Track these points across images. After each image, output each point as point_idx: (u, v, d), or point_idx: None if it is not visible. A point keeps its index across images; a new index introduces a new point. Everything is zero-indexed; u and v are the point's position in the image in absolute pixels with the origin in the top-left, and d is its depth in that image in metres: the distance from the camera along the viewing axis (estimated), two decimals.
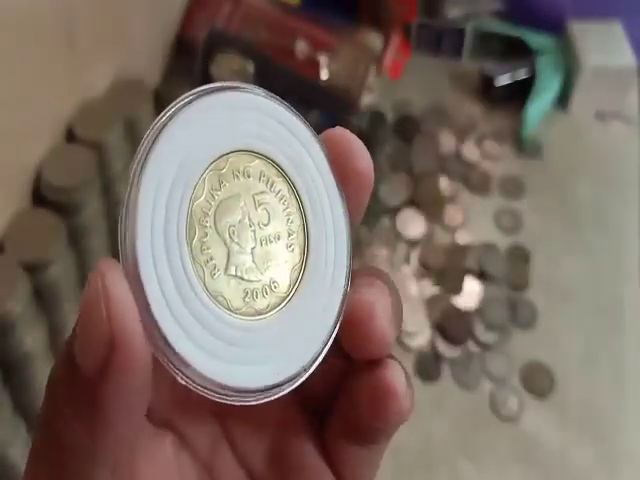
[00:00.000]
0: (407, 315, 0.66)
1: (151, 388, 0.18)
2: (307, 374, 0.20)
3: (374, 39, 0.77)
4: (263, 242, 0.20)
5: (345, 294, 0.21)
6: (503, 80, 0.81)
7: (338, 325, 0.20)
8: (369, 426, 0.21)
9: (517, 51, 0.83)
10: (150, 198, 0.19)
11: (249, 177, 0.20)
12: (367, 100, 0.71)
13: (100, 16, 0.56)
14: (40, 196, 0.52)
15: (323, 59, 0.69)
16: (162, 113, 0.19)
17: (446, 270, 0.69)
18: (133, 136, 0.59)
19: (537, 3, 0.84)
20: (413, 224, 0.72)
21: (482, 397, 0.63)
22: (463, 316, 0.67)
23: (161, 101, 0.64)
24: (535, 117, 0.80)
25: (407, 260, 0.70)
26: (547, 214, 0.74)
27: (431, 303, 0.67)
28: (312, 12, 0.72)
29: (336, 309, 0.20)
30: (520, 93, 0.81)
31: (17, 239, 0.49)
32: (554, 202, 0.76)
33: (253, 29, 0.70)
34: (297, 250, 0.20)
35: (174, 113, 0.19)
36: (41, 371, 0.51)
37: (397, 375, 0.20)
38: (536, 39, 0.83)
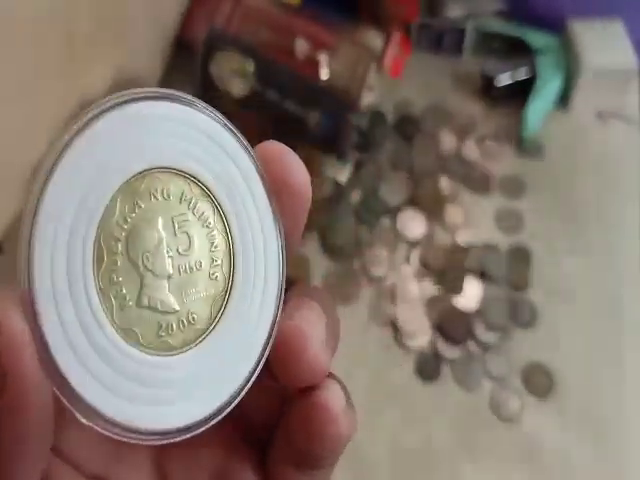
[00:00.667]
0: (407, 315, 0.66)
1: (50, 434, 0.16)
2: (223, 414, 0.18)
3: (374, 38, 0.77)
4: (181, 270, 0.18)
5: (274, 323, 0.19)
6: (504, 80, 0.81)
7: (264, 359, 0.19)
8: (307, 451, 0.19)
9: (518, 51, 0.83)
10: (51, 224, 0.17)
11: (169, 197, 0.18)
12: (367, 99, 0.71)
13: (100, 16, 0.56)
14: None
15: (323, 58, 0.69)
16: (71, 123, 0.17)
17: (446, 270, 0.69)
18: None
19: (538, 3, 0.84)
20: (413, 224, 0.72)
21: (482, 397, 0.63)
22: (463, 316, 0.67)
23: None
24: (536, 117, 0.80)
25: (407, 260, 0.70)
26: (548, 214, 0.74)
27: (431, 303, 0.67)
28: (312, 11, 0.72)
29: (262, 343, 0.19)
30: (521, 93, 0.81)
31: (16, 239, 0.49)
32: (555, 202, 0.75)
33: (253, 29, 0.70)
34: (221, 278, 0.19)
35: (83, 125, 0.17)
36: None
37: (334, 396, 0.19)
38: (537, 39, 0.83)
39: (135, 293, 0.18)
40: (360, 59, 0.70)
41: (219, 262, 0.19)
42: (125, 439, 0.17)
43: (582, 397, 0.63)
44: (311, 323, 0.19)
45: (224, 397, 0.18)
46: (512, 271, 0.70)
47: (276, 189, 0.19)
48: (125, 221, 0.18)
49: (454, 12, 0.83)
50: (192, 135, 0.18)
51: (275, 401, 0.20)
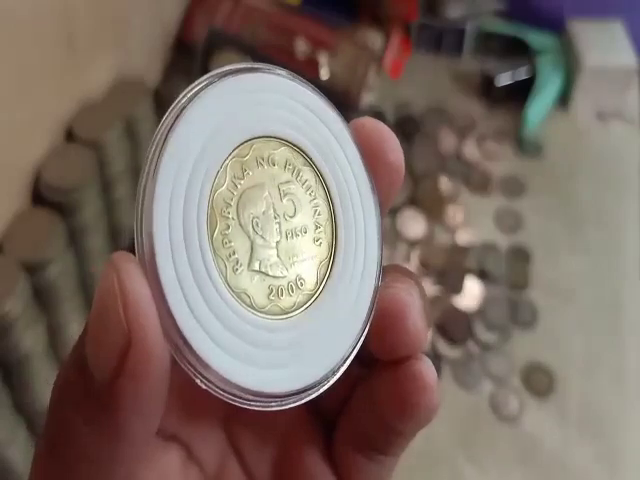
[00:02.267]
0: None
1: (166, 393, 0.17)
2: (335, 378, 0.19)
3: (374, 38, 0.77)
4: (289, 235, 0.19)
5: (376, 291, 0.19)
6: (503, 80, 0.81)
7: (369, 325, 0.19)
8: (392, 426, 0.19)
9: (517, 51, 0.83)
10: (168, 188, 0.17)
11: (274, 165, 0.19)
12: (367, 99, 0.71)
13: (100, 16, 0.56)
14: (39, 196, 0.52)
15: (323, 58, 0.69)
16: (182, 94, 0.18)
17: (446, 270, 0.69)
18: (133, 136, 0.59)
19: (538, 3, 0.84)
20: (413, 224, 0.72)
21: (482, 397, 0.63)
22: (463, 316, 0.67)
23: (161, 101, 0.64)
24: (535, 117, 0.80)
25: (407, 260, 0.70)
26: (547, 214, 0.74)
27: (431, 303, 0.67)
28: (312, 11, 0.72)
29: (366, 307, 0.19)
30: (520, 93, 0.81)
31: (16, 239, 0.49)
32: (554, 202, 0.75)
33: (253, 29, 0.70)
34: (325, 244, 0.19)
35: (194, 95, 0.18)
36: (40, 371, 0.51)
37: (429, 367, 0.19)
38: (537, 39, 0.83)
39: (246, 257, 0.18)
40: (360, 59, 0.70)
41: (322, 228, 0.19)
42: (238, 403, 0.17)
43: (582, 397, 0.63)
44: (412, 295, 0.19)
45: (336, 358, 0.18)
46: (512, 271, 0.70)
47: (373, 163, 0.20)
48: (235, 187, 0.18)
49: (454, 12, 0.83)
50: (295, 107, 0.19)
51: (345, 383, 0.20)
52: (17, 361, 0.48)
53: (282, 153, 0.19)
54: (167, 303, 0.16)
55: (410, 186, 0.74)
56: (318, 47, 0.69)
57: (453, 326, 0.66)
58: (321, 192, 0.19)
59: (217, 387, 0.17)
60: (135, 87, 0.60)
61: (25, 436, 0.51)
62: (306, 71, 0.68)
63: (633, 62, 0.79)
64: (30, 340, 0.48)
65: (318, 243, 0.19)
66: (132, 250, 0.17)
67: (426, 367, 0.19)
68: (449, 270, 0.69)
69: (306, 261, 0.19)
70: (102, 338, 0.16)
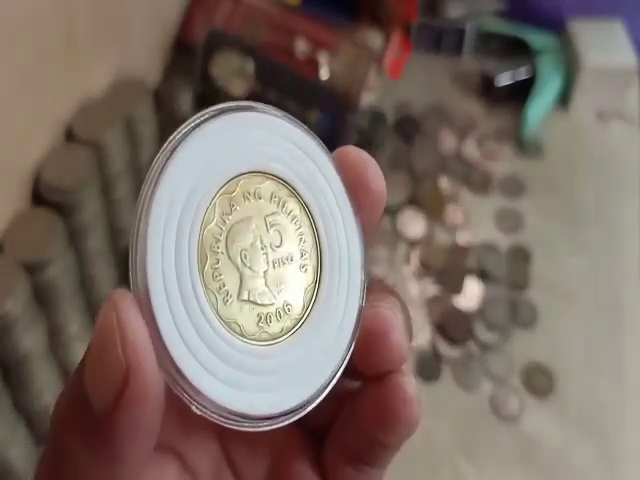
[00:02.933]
0: None
1: (161, 419, 0.18)
2: (321, 397, 0.20)
3: (374, 38, 0.77)
4: (276, 264, 0.20)
5: (360, 311, 0.20)
6: (504, 80, 0.81)
7: (354, 344, 0.20)
8: (376, 438, 0.20)
9: (518, 51, 0.83)
10: (160, 227, 0.18)
11: (260, 199, 0.20)
12: (367, 100, 0.71)
13: (100, 16, 0.56)
14: (39, 196, 0.52)
15: (323, 58, 0.69)
16: (172, 136, 0.19)
17: (446, 270, 0.69)
18: (132, 136, 0.59)
19: (538, 3, 0.84)
20: (413, 224, 0.72)
21: (482, 397, 0.63)
22: (463, 316, 0.67)
23: (161, 101, 0.64)
24: (536, 117, 0.80)
25: (407, 260, 0.70)
26: (547, 214, 0.74)
27: (431, 303, 0.67)
28: (312, 11, 0.72)
29: (351, 328, 0.20)
30: (521, 93, 0.81)
31: (16, 239, 0.49)
32: (554, 202, 0.75)
33: (253, 29, 0.70)
34: (310, 270, 0.20)
35: (182, 137, 0.19)
36: (40, 371, 0.51)
37: (410, 380, 0.20)
38: (537, 39, 0.83)
39: (236, 288, 0.19)
40: (360, 59, 0.70)
41: (307, 255, 0.20)
42: (233, 425, 0.19)
43: (582, 397, 0.63)
44: (394, 312, 0.20)
45: (323, 379, 0.20)
46: (512, 271, 0.70)
47: (356, 192, 0.21)
48: (224, 222, 0.19)
49: (454, 12, 0.83)
50: (279, 142, 0.20)
51: (334, 396, 0.21)
52: (17, 361, 0.48)
53: (267, 186, 0.20)
54: (161, 336, 0.18)
55: (410, 186, 0.74)
56: (318, 47, 0.69)
57: (453, 326, 0.66)
58: (306, 221, 0.20)
59: (211, 412, 0.18)
60: (135, 87, 0.60)
61: (25, 436, 0.51)
62: (306, 71, 0.68)
63: (633, 62, 0.79)
64: (30, 340, 0.48)
65: (304, 270, 0.20)
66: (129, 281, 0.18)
67: (407, 381, 0.20)
68: (449, 270, 0.69)
69: (293, 288, 0.20)
70: (101, 372, 0.17)
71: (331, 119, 0.67)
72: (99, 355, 0.17)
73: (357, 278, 0.20)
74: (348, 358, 0.20)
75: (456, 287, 0.68)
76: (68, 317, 0.53)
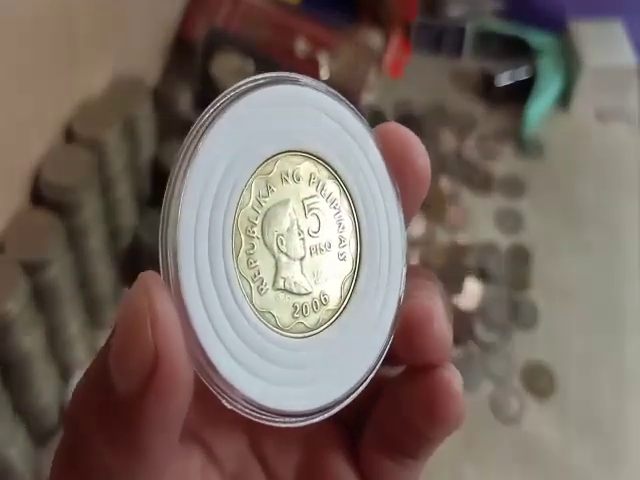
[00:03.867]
0: None
1: (187, 409, 0.17)
2: (359, 391, 0.19)
3: (374, 38, 0.77)
4: (313, 252, 0.19)
5: (399, 302, 0.19)
6: (504, 79, 0.81)
7: (392, 336, 0.19)
8: (420, 432, 0.19)
9: (518, 50, 0.83)
10: (193, 209, 0.17)
11: (299, 180, 0.19)
12: (367, 99, 0.71)
13: (99, 15, 0.56)
14: (39, 196, 0.52)
15: (323, 58, 0.69)
16: (204, 112, 0.18)
17: (446, 270, 0.69)
18: (132, 135, 0.59)
19: (538, 2, 0.84)
20: (413, 224, 0.72)
21: (483, 397, 0.63)
22: (464, 316, 0.67)
23: (160, 101, 0.64)
24: (536, 117, 0.80)
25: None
26: (548, 214, 0.74)
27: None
28: (312, 11, 0.72)
29: (390, 319, 0.19)
30: (521, 92, 0.81)
31: (16, 239, 0.49)
32: (555, 202, 0.75)
33: (253, 28, 0.69)
34: (349, 258, 0.19)
35: (215, 114, 0.18)
36: (40, 371, 0.51)
37: (456, 375, 0.19)
38: (537, 38, 0.83)
39: (271, 276, 0.18)
40: (360, 59, 0.70)
41: (346, 242, 0.19)
42: (265, 421, 0.18)
43: (582, 397, 0.63)
44: (436, 300, 0.19)
45: (360, 373, 0.19)
46: (512, 271, 0.70)
47: (399, 170, 0.19)
48: (260, 205, 0.18)
49: (454, 12, 0.83)
50: (318, 117, 0.19)
51: (370, 386, 0.20)
52: (17, 361, 0.48)
53: (306, 167, 0.19)
54: (191, 324, 0.17)
55: None
56: (318, 47, 0.69)
57: (453, 326, 0.66)
58: (345, 205, 0.19)
59: (242, 406, 0.17)
60: (135, 87, 0.60)
61: (25, 436, 0.51)
62: (306, 71, 0.68)
63: (633, 62, 0.79)
64: (30, 340, 0.48)
65: (342, 257, 0.19)
66: (156, 267, 0.17)
67: (453, 375, 0.19)
68: (449, 270, 0.69)
69: (330, 277, 0.19)
70: (129, 355, 0.16)
71: None
72: (127, 337, 0.16)
73: (398, 268, 0.19)
74: (387, 352, 0.19)
75: (456, 287, 0.68)
76: (68, 317, 0.53)
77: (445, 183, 0.75)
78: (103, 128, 0.55)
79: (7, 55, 0.46)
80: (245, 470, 0.21)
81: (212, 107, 0.18)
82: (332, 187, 0.19)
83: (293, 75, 0.19)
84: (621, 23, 0.82)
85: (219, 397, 0.17)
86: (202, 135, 0.17)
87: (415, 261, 0.70)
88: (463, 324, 0.66)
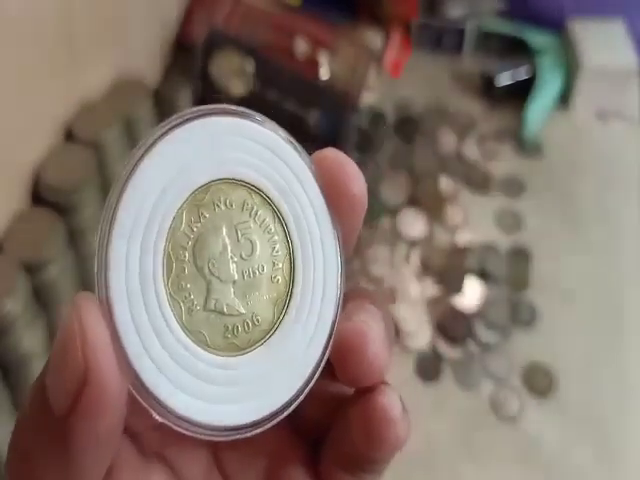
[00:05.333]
0: (407, 315, 0.66)
1: (124, 423, 0.17)
2: (288, 411, 0.19)
3: (374, 38, 0.77)
4: (245, 274, 0.19)
5: (334, 324, 0.20)
6: (504, 79, 0.81)
7: (325, 358, 0.20)
8: (364, 454, 0.20)
9: (518, 50, 0.83)
10: (126, 232, 0.18)
11: (231, 206, 0.19)
12: (367, 99, 0.71)
13: (99, 16, 0.56)
14: (39, 196, 0.52)
15: (323, 58, 0.69)
16: (142, 141, 0.19)
17: (446, 270, 0.69)
18: (132, 136, 0.59)
19: (538, 2, 0.84)
20: (413, 224, 0.72)
21: (482, 397, 0.63)
22: (463, 316, 0.67)
23: (161, 101, 0.64)
24: (536, 116, 0.80)
25: (407, 260, 0.70)
26: (548, 214, 0.74)
27: (431, 303, 0.67)
28: (312, 11, 0.72)
29: (323, 343, 0.20)
30: (521, 92, 0.81)
31: (16, 239, 0.49)
32: (555, 202, 0.75)
33: (253, 29, 0.69)
34: (282, 281, 0.20)
35: (150, 144, 0.19)
36: (40, 371, 0.51)
37: (393, 401, 0.19)
38: (537, 38, 0.83)
39: (202, 298, 0.19)
40: (360, 59, 0.70)
41: (280, 266, 0.20)
42: (196, 435, 0.18)
43: (582, 397, 0.63)
44: (370, 324, 0.19)
45: (289, 394, 0.19)
46: (512, 271, 0.70)
47: (335, 197, 0.20)
48: (191, 230, 0.19)
49: (454, 11, 0.83)
50: (251, 146, 0.19)
51: (328, 402, 0.21)
52: (17, 361, 0.48)
53: (239, 194, 0.19)
54: (122, 344, 0.17)
55: (410, 186, 0.74)
56: (318, 47, 0.69)
57: (453, 326, 0.66)
58: (279, 230, 0.20)
59: (173, 421, 0.18)
60: (135, 87, 0.60)
61: None
62: (306, 71, 0.68)
63: (633, 62, 0.79)
64: (30, 340, 0.48)
65: (275, 280, 0.20)
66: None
67: (389, 400, 0.19)
68: (449, 270, 0.69)
69: (263, 299, 0.19)
70: (61, 373, 0.17)
71: (331, 119, 0.67)
72: (60, 355, 0.17)
73: (332, 292, 0.20)
74: (317, 375, 0.19)
75: (456, 287, 0.68)
76: None
77: (445, 183, 0.75)
78: (103, 128, 0.55)
79: (7, 55, 0.46)
80: None
81: (152, 134, 0.19)
82: (266, 213, 0.20)
83: (229, 107, 0.20)
84: (621, 22, 0.82)
85: (151, 411, 0.18)
86: (138, 161, 0.18)
87: (415, 261, 0.70)
88: (463, 324, 0.66)
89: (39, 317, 0.50)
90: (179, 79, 0.68)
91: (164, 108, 0.64)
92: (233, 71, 0.67)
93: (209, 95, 0.67)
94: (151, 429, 0.20)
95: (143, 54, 0.65)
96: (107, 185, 0.57)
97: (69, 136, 0.55)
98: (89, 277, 0.57)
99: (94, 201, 0.54)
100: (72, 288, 0.53)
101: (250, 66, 0.67)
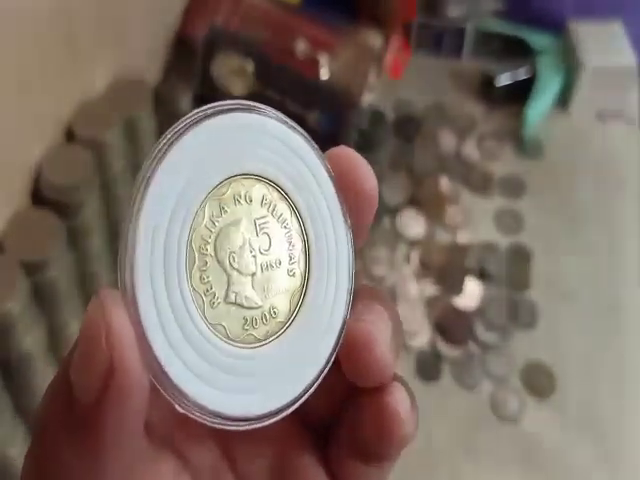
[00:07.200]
0: (407, 315, 0.66)
1: (146, 414, 0.18)
2: (301, 401, 0.20)
3: (374, 38, 0.77)
4: (264, 268, 0.20)
5: (345, 319, 0.20)
6: (503, 80, 0.81)
7: (336, 351, 0.20)
8: (373, 448, 0.20)
9: (517, 51, 0.83)
10: (150, 227, 0.18)
11: (251, 201, 0.20)
12: (367, 100, 0.71)
13: (100, 15, 0.56)
14: (40, 196, 0.52)
15: (323, 59, 0.69)
16: (162, 137, 0.19)
17: (446, 270, 0.69)
18: (133, 136, 0.59)
19: (538, 3, 0.84)
20: (413, 224, 0.72)
21: (482, 397, 0.63)
22: (463, 316, 0.67)
23: (161, 101, 0.64)
24: (536, 117, 0.80)
25: (407, 260, 0.70)
26: (548, 214, 0.74)
27: (431, 303, 0.67)
28: (312, 12, 0.72)
29: (335, 335, 0.20)
30: (521, 93, 0.81)
31: (17, 239, 0.49)
32: (555, 202, 0.75)
33: (253, 29, 0.70)
34: (298, 275, 0.20)
35: (173, 139, 0.19)
36: (41, 371, 0.51)
37: (401, 399, 0.20)
38: (537, 39, 0.83)
39: (223, 291, 0.19)
40: (360, 59, 0.70)
41: (296, 260, 0.20)
42: (214, 425, 0.19)
43: (582, 397, 0.63)
44: (378, 325, 0.20)
45: (303, 385, 0.20)
46: (512, 271, 0.70)
47: (347, 193, 0.21)
48: (213, 225, 0.19)
49: (454, 12, 0.83)
50: (270, 143, 0.20)
51: (339, 394, 0.21)
52: (17, 361, 0.48)
53: (258, 189, 0.20)
54: (146, 335, 0.18)
55: (410, 186, 0.74)
56: (318, 47, 0.69)
57: (453, 326, 0.66)
58: (295, 225, 0.21)
59: (194, 411, 0.19)
60: (135, 87, 0.60)
61: (25, 436, 0.51)
62: (306, 71, 0.68)
63: (633, 62, 0.79)
64: (30, 340, 0.48)
65: (292, 274, 0.20)
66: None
67: (396, 400, 0.20)
68: (449, 270, 0.69)
69: (280, 292, 0.20)
70: (87, 367, 0.17)
71: (331, 119, 0.67)
72: (85, 349, 0.17)
73: (344, 285, 0.21)
74: (326, 370, 0.20)
75: (456, 287, 0.68)
76: (68, 317, 0.53)
77: (445, 183, 0.75)
78: (103, 128, 0.55)
79: (7, 55, 0.46)
80: (218, 476, 0.22)
81: (171, 132, 0.19)
82: (283, 208, 0.20)
83: (248, 103, 0.20)
84: (621, 23, 0.82)
85: (172, 402, 0.19)
86: (160, 159, 0.19)
87: (415, 261, 0.70)
88: (463, 324, 0.66)
89: (39, 317, 0.50)
90: (179, 79, 0.68)
91: (164, 108, 0.64)
92: (233, 71, 0.67)
93: (209, 95, 0.67)
94: (162, 418, 0.21)
95: (143, 54, 0.65)
96: (107, 185, 0.57)
97: (69, 136, 0.55)
98: (89, 277, 0.57)
99: (94, 201, 0.54)
100: (72, 288, 0.53)
101: (250, 66, 0.67)
